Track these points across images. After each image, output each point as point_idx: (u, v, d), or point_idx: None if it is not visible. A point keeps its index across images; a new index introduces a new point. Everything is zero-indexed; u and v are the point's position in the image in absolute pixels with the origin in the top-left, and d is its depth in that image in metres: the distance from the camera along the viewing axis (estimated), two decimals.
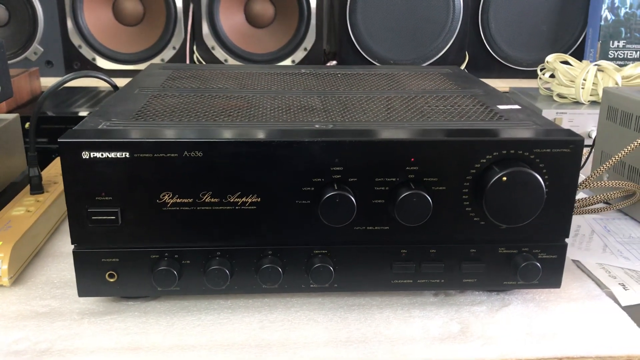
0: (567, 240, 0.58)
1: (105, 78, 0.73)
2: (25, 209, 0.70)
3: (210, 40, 1.79)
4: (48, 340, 0.54)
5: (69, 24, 1.77)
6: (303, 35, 1.82)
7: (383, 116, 0.62)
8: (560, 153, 0.54)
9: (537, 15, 1.84)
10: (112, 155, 0.52)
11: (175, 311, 0.58)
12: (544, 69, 1.54)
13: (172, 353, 0.52)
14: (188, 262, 0.56)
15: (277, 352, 0.53)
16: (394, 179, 0.54)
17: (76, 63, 1.81)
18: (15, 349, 0.52)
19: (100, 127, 0.55)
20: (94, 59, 1.79)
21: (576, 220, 0.82)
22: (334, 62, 1.85)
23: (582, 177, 0.94)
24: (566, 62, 1.50)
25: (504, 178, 0.53)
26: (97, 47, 1.80)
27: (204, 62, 1.78)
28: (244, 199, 0.54)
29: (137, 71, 1.74)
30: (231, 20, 1.82)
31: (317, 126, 0.58)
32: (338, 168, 0.54)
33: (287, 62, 1.83)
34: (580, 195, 0.88)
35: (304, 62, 1.82)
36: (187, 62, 1.78)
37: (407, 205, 0.53)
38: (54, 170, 0.83)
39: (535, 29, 1.86)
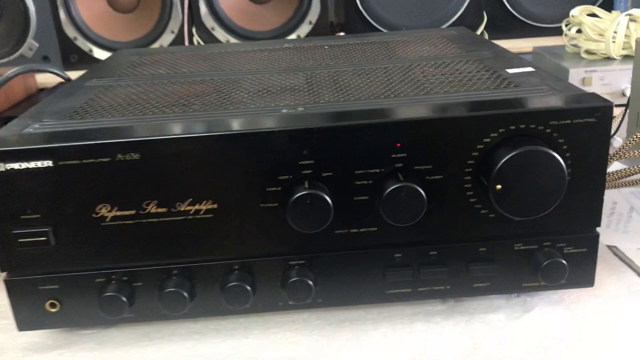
0: (598, 229, 0.47)
1: (56, 72, 0.64)
2: None
3: (209, 21, 1.69)
4: None
5: (62, 15, 1.70)
6: (307, 7, 1.71)
7: (367, 93, 0.52)
8: (584, 124, 0.43)
9: None
10: (33, 165, 0.43)
11: (135, 340, 0.50)
12: (569, 24, 1.40)
13: None
14: (140, 284, 0.47)
15: None
16: (377, 170, 0.44)
17: (73, 56, 1.73)
18: None
19: (24, 131, 0.47)
20: (90, 51, 1.72)
21: (611, 195, 0.71)
22: (342, 34, 1.74)
23: (618, 141, 0.82)
24: (593, 15, 1.36)
25: (514, 160, 0.42)
26: (93, 37, 1.72)
27: (203, 44, 1.69)
28: (196, 207, 0.45)
29: None
30: None
31: (284, 111, 0.48)
32: (308, 162, 0.44)
33: (292, 37, 1.72)
34: (615, 165, 0.77)
35: (310, 36, 1.71)
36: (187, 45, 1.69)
37: (395, 202, 0.43)
38: None
39: None
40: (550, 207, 0.44)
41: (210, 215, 0.45)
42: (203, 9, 1.68)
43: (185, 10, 1.67)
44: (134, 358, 0.48)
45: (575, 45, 1.40)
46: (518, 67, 0.56)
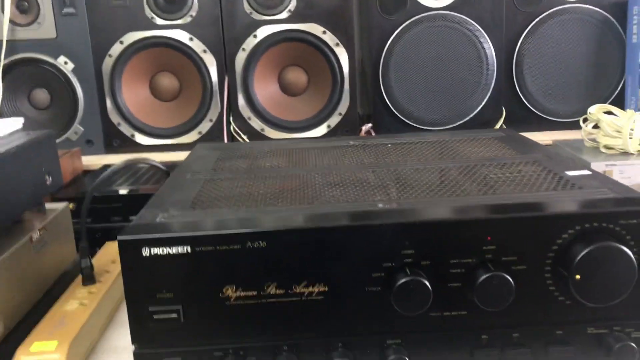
0: None
1: (156, 164, 0.72)
2: (78, 302, 0.68)
3: (246, 111, 1.80)
4: None
5: (108, 103, 1.81)
6: (337, 100, 1.82)
7: (447, 190, 0.59)
8: None
9: (573, 66, 1.82)
10: (174, 250, 0.50)
11: None
12: (587, 120, 1.50)
13: None
14: (254, 358, 0.52)
15: None
16: (470, 260, 0.51)
17: (116, 140, 1.83)
18: None
19: (158, 219, 0.54)
20: (132, 136, 1.81)
21: None
22: (369, 125, 1.85)
23: None
24: (609, 112, 1.47)
25: (590, 254, 0.49)
26: (136, 123, 1.82)
27: (241, 133, 1.79)
28: (310, 289, 0.51)
29: (175, 145, 1.75)
30: (266, 91, 1.83)
31: (380, 205, 0.55)
32: (409, 251, 0.51)
33: (323, 127, 1.82)
34: None
35: (339, 126, 1.81)
36: (225, 133, 1.79)
37: (487, 289, 0.50)
38: (103, 258, 0.81)
39: (572, 80, 1.83)
40: (622, 295, 0.50)
41: (321, 297, 0.51)
42: (241, 100, 1.80)
43: (225, 101, 1.79)
44: None
45: (593, 140, 1.50)
46: (574, 169, 0.64)
